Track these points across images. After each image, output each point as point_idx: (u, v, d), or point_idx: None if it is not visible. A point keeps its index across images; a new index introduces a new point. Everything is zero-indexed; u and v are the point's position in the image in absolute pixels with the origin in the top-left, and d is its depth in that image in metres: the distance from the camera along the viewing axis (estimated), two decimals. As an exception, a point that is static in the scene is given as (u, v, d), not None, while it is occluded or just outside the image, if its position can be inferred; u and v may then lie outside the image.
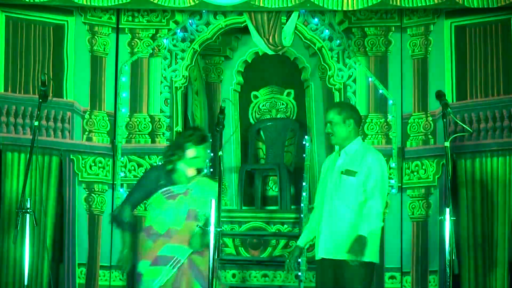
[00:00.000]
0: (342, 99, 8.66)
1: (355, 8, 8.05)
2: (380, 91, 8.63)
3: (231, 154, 9.68)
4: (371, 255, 5.81)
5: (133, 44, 8.83)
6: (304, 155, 8.90)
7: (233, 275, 8.56)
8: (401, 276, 8.45)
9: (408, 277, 8.42)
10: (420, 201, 8.43)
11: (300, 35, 8.74)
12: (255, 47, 9.17)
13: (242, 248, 8.68)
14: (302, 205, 8.54)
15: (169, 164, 6.24)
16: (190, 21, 8.81)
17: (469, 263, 7.96)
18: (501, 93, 8.02)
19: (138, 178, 8.58)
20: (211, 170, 8.95)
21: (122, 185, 8.66)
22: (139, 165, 8.72)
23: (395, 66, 8.66)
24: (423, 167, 8.43)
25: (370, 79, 8.66)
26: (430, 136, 8.43)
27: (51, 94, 7.56)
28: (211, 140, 6.63)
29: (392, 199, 8.50)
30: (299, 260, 7.48)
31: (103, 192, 8.60)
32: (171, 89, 8.82)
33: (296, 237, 8.36)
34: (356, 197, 5.80)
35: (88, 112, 8.61)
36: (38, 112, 5.78)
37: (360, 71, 8.70)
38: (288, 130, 9.69)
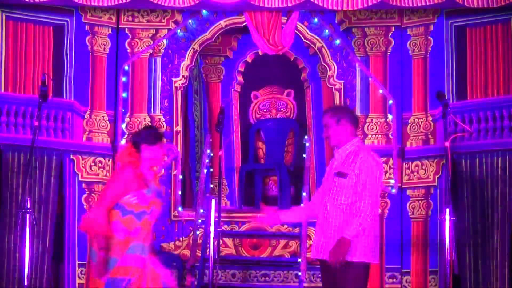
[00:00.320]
0: (342, 99, 8.66)
1: (355, 8, 8.05)
2: (380, 91, 8.63)
3: (231, 154, 9.68)
4: (361, 255, 5.81)
5: (133, 44, 8.83)
6: (304, 155, 8.90)
7: (233, 275, 8.56)
8: (401, 276, 8.45)
9: (408, 277, 8.42)
10: (420, 201, 8.43)
11: (300, 35, 8.75)
12: (255, 47, 9.17)
13: (242, 248, 8.68)
14: (302, 205, 8.53)
15: (137, 166, 6.21)
16: (190, 21, 8.81)
17: (469, 263, 7.96)
18: (501, 93, 8.02)
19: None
20: (211, 170, 8.96)
21: (122, 185, 8.65)
22: (139, 165, 8.70)
23: (395, 66, 8.66)
24: (423, 167, 8.43)
25: (370, 79, 8.66)
26: (430, 136, 8.44)
27: (51, 94, 7.56)
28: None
29: (392, 199, 8.50)
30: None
31: (103, 192, 8.59)
32: (171, 89, 8.83)
33: (296, 237, 8.39)
34: (347, 199, 5.82)
35: (88, 112, 8.61)
36: (38, 112, 5.78)
37: (360, 71, 8.70)
38: (288, 130, 9.69)
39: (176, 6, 8.24)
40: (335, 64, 8.73)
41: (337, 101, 8.71)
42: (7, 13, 8.19)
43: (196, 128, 9.42)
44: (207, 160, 8.70)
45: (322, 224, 5.92)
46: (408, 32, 8.63)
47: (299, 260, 8.03)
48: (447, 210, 5.56)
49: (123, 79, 8.75)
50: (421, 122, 8.49)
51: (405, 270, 8.44)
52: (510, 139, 7.87)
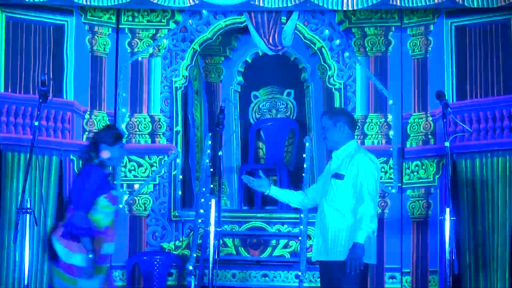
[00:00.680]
0: (342, 99, 8.67)
1: (355, 8, 8.05)
2: (380, 91, 8.63)
3: (231, 154, 9.68)
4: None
5: (133, 44, 8.83)
6: (304, 155, 8.90)
7: (233, 275, 8.56)
8: (401, 276, 8.45)
9: (408, 277, 8.42)
10: (420, 201, 8.44)
11: (300, 35, 8.75)
12: (255, 47, 9.17)
13: (242, 248, 8.68)
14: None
15: (106, 166, 6.22)
16: (190, 21, 8.81)
17: (469, 263, 7.97)
18: (501, 93, 8.02)
19: (137, 178, 8.61)
20: (211, 170, 8.96)
21: (122, 185, 8.66)
22: (139, 165, 8.72)
23: (395, 66, 8.66)
24: (423, 167, 8.43)
25: (370, 79, 8.66)
26: (430, 136, 8.44)
27: (51, 94, 7.55)
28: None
29: (392, 199, 8.51)
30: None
31: (103, 192, 8.59)
32: (171, 89, 8.83)
33: (296, 237, 8.39)
34: (344, 200, 5.83)
35: (88, 112, 8.61)
36: (38, 112, 5.77)
37: (360, 71, 8.70)
38: (288, 130, 9.69)
39: (176, 6, 8.24)
40: (335, 64, 8.73)
41: (337, 101, 8.71)
42: (7, 13, 8.19)
43: (196, 128, 9.43)
44: (207, 160, 8.70)
45: (320, 226, 5.94)
46: (408, 32, 8.63)
47: (299, 260, 8.03)
48: (447, 210, 5.55)
49: (123, 79, 8.75)
50: (421, 122, 8.49)
51: (405, 270, 8.44)
52: (510, 139, 7.88)
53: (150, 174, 8.71)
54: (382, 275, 8.45)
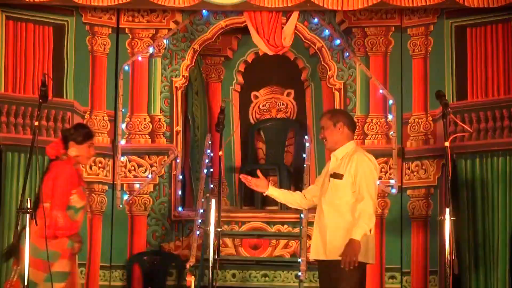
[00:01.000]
0: (342, 99, 8.67)
1: (355, 8, 8.05)
2: (380, 91, 8.63)
3: (231, 154, 9.68)
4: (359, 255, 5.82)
5: (133, 44, 8.83)
6: (304, 155, 8.90)
7: (233, 275, 8.56)
8: (401, 276, 8.45)
9: (408, 277, 8.42)
10: (420, 201, 8.43)
11: (300, 35, 8.75)
12: (255, 47, 9.17)
13: (242, 248, 8.68)
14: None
15: (75, 163, 6.25)
16: (190, 21, 8.81)
17: (469, 263, 7.96)
18: (501, 93, 8.01)
19: (137, 178, 8.60)
20: (211, 170, 8.96)
21: (122, 185, 8.66)
22: (139, 165, 8.72)
23: (395, 66, 8.66)
24: (423, 167, 8.43)
25: (370, 79, 8.66)
26: (430, 136, 8.44)
27: (51, 94, 7.55)
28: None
29: (392, 199, 8.51)
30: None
31: (103, 192, 8.60)
32: (171, 89, 8.83)
33: (296, 237, 8.39)
34: (342, 200, 5.84)
35: (88, 112, 8.61)
36: (38, 112, 5.77)
37: (360, 71, 8.70)
38: (288, 130, 9.69)
39: (176, 6, 8.23)
40: (335, 64, 8.73)
41: (337, 101, 8.71)
42: (7, 13, 8.19)
43: (196, 128, 9.42)
44: (207, 160, 8.70)
45: (318, 226, 5.95)
46: (408, 32, 8.63)
47: (299, 260, 8.03)
48: (447, 210, 5.54)
49: (123, 79, 8.75)
50: (421, 122, 8.49)
51: (405, 270, 8.44)
52: (510, 139, 7.87)
53: (150, 174, 8.71)
54: (382, 275, 8.45)
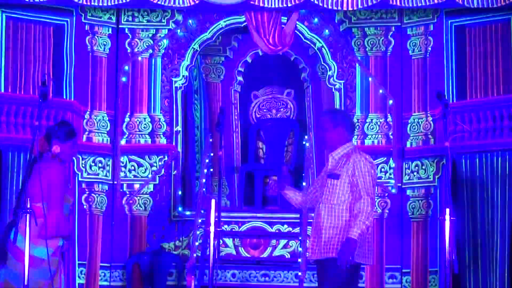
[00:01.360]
0: (342, 99, 8.67)
1: (355, 8, 8.05)
2: (380, 91, 8.63)
3: (231, 154, 9.68)
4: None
5: (133, 44, 8.83)
6: (304, 155, 8.90)
7: (233, 275, 8.56)
8: (401, 276, 8.45)
9: (408, 277, 8.42)
10: (420, 201, 8.43)
11: (300, 35, 8.75)
12: (255, 47, 9.17)
13: (242, 248, 8.68)
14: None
15: (62, 161, 6.29)
16: (190, 21, 8.81)
17: (469, 263, 7.96)
18: (501, 93, 8.02)
19: (137, 178, 8.61)
20: (211, 170, 8.96)
21: (122, 185, 8.66)
22: (139, 165, 8.72)
23: (395, 66, 8.66)
24: (423, 167, 8.43)
25: (370, 79, 8.66)
26: (430, 136, 8.44)
27: (51, 94, 7.55)
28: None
29: (392, 199, 8.51)
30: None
31: (103, 192, 8.60)
32: (171, 89, 8.83)
33: (296, 237, 8.39)
34: (339, 200, 5.84)
35: (88, 112, 8.61)
36: (38, 112, 5.77)
37: (360, 71, 8.70)
38: (288, 130, 9.69)
39: (176, 6, 8.23)
40: (335, 64, 8.73)
41: (337, 101, 8.71)
42: (7, 13, 8.19)
43: (196, 128, 9.43)
44: (207, 160, 8.70)
45: (315, 226, 5.97)
46: (408, 32, 8.63)
47: (299, 260, 8.03)
48: (447, 210, 5.55)
49: (123, 79, 8.75)
50: (421, 122, 8.49)
51: (405, 270, 8.44)
52: (510, 139, 7.87)
53: (150, 174, 8.71)
54: (382, 275, 8.45)
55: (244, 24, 8.64)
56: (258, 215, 8.85)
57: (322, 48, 8.76)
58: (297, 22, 8.59)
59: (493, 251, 7.83)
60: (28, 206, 5.74)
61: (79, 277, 8.38)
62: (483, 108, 8.04)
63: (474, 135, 8.07)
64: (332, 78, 8.75)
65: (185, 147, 9.08)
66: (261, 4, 8.14)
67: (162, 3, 8.14)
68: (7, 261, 5.90)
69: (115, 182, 8.65)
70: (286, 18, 8.51)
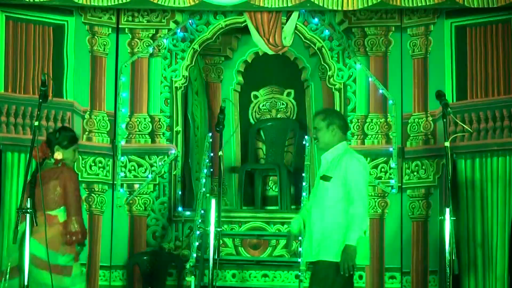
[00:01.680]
0: (342, 99, 8.67)
1: (355, 8, 8.05)
2: (380, 91, 8.63)
3: (231, 154, 9.68)
4: (334, 255, 5.81)
5: (133, 44, 8.83)
6: (304, 155, 8.90)
7: (233, 275, 8.56)
8: (401, 276, 8.45)
9: (408, 277, 8.42)
10: (420, 201, 8.43)
11: (300, 35, 8.75)
12: (255, 47, 9.17)
13: (242, 248, 8.68)
14: (302, 205, 8.53)
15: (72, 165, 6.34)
16: (190, 21, 8.81)
17: (469, 263, 7.96)
18: (501, 93, 8.01)
19: (137, 178, 8.61)
20: (211, 170, 8.96)
21: (122, 185, 8.66)
22: (139, 165, 8.72)
23: (395, 66, 8.66)
24: (423, 167, 8.43)
25: (370, 79, 8.66)
26: (430, 136, 8.43)
27: (51, 94, 7.54)
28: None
29: (392, 199, 8.51)
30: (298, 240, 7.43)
31: (103, 192, 8.60)
32: (171, 89, 8.83)
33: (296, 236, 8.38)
34: (331, 202, 5.84)
35: (88, 112, 8.61)
36: (38, 112, 5.77)
37: (360, 71, 8.70)
38: (288, 130, 9.69)
39: (176, 6, 8.23)
40: (335, 64, 8.73)
41: (337, 101, 8.71)
42: (7, 13, 8.19)
43: (196, 128, 9.43)
44: (207, 160, 8.70)
45: (308, 227, 5.97)
46: (408, 32, 8.63)
47: (299, 260, 8.02)
48: (447, 210, 5.55)
49: (123, 79, 8.75)
50: (421, 122, 8.49)
51: (405, 270, 8.44)
52: (510, 139, 7.87)
53: (150, 174, 8.71)
54: (382, 275, 8.45)
55: (244, 24, 8.65)
56: (258, 215, 8.85)
57: (322, 48, 8.76)
58: (297, 22, 8.59)
59: (492, 250, 7.83)
60: (28, 206, 5.75)
61: (79, 277, 8.37)
62: (483, 108, 8.04)
63: (474, 135, 8.07)
64: (332, 78, 8.75)
65: (185, 147, 9.08)
66: (261, 4, 8.14)
67: (162, 3, 8.14)
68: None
69: (115, 182, 8.65)
70: (286, 18, 8.51)
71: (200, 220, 8.33)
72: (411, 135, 8.55)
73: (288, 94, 9.79)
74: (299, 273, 8.05)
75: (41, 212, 5.86)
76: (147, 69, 8.83)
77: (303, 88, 9.69)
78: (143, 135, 8.77)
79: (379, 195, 8.53)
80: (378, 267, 8.43)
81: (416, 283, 8.36)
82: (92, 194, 8.52)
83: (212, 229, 6.06)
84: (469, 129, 7.97)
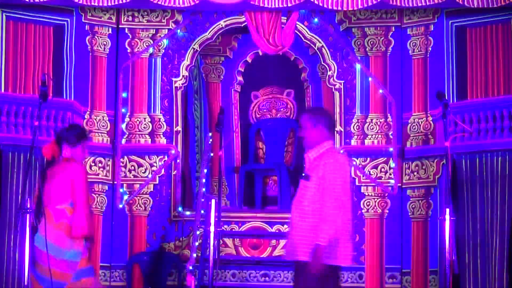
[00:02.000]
0: (342, 99, 8.67)
1: (355, 8, 8.05)
2: (380, 91, 8.63)
3: (231, 154, 9.68)
4: (312, 256, 5.81)
5: (133, 44, 8.83)
6: (303, 155, 8.88)
7: (233, 275, 8.56)
8: (401, 276, 8.45)
9: (408, 277, 8.42)
10: (420, 201, 8.43)
11: (300, 35, 8.75)
12: (255, 47, 9.17)
13: (242, 248, 8.68)
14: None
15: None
16: (190, 21, 8.81)
17: (469, 263, 7.96)
18: (501, 93, 8.02)
19: (137, 178, 8.61)
20: (211, 170, 8.96)
21: (122, 185, 8.66)
22: (139, 165, 8.72)
23: (395, 66, 8.66)
24: (423, 167, 8.43)
25: (370, 79, 8.66)
26: (430, 136, 8.44)
27: (51, 94, 7.55)
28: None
29: (392, 199, 8.51)
30: None
31: (103, 192, 8.60)
32: (171, 89, 8.83)
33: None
34: (309, 201, 5.83)
35: (88, 112, 8.61)
36: (38, 112, 5.78)
37: (360, 71, 8.70)
38: (288, 130, 9.69)
39: (176, 6, 8.24)
40: (335, 64, 8.73)
41: (337, 101, 8.72)
42: (7, 13, 8.19)
43: (196, 128, 9.43)
44: (207, 160, 8.70)
45: (289, 227, 5.97)
46: (408, 32, 8.63)
47: (299, 260, 8.01)
48: (447, 210, 5.56)
49: (123, 79, 8.75)
50: (421, 122, 8.49)
51: (405, 270, 8.44)
52: (510, 139, 7.87)
53: (150, 174, 8.71)
54: (382, 275, 8.45)
55: (244, 24, 8.65)
56: (258, 215, 8.85)
57: (322, 48, 8.76)
58: (297, 22, 8.59)
59: (493, 251, 7.83)
60: (28, 206, 5.77)
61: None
62: (483, 108, 8.04)
63: (474, 135, 8.07)
64: (332, 78, 8.75)
65: (185, 147, 9.08)
66: (261, 4, 8.14)
67: (162, 3, 8.15)
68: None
69: (115, 182, 8.66)
70: (286, 18, 8.51)
71: (200, 220, 8.34)
72: (411, 135, 8.55)
73: (288, 94, 9.79)
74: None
75: (50, 207, 5.93)
76: (147, 69, 8.83)
77: (303, 88, 9.69)
78: (143, 135, 8.77)
79: (379, 195, 8.53)
80: (378, 267, 8.44)
81: (416, 283, 8.36)
82: (92, 194, 8.52)
83: (212, 229, 6.06)
84: (469, 129, 7.97)
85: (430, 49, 8.49)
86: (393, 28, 8.70)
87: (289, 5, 8.14)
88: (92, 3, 8.13)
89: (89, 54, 8.65)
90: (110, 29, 8.77)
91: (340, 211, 5.71)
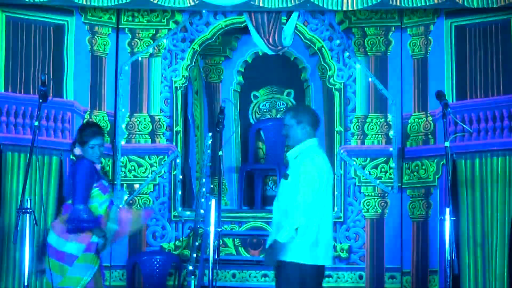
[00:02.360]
0: (342, 99, 8.67)
1: (355, 8, 8.05)
2: (380, 91, 8.63)
3: (231, 154, 9.68)
4: (292, 255, 5.80)
5: (133, 44, 8.83)
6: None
7: (233, 275, 8.56)
8: (401, 276, 8.45)
9: (408, 277, 8.42)
10: (420, 201, 8.44)
11: (300, 35, 8.75)
12: (255, 47, 9.17)
13: (242, 248, 8.68)
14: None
15: (92, 161, 6.42)
16: (190, 21, 8.81)
17: (469, 263, 7.97)
18: (501, 93, 8.02)
19: (137, 178, 8.62)
20: (211, 170, 8.96)
21: (122, 185, 8.66)
22: (139, 165, 8.72)
23: (395, 66, 8.66)
24: (423, 167, 8.43)
25: (370, 79, 8.66)
26: (430, 136, 8.44)
27: (51, 94, 7.55)
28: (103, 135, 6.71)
29: (392, 199, 8.51)
30: None
31: (103, 192, 8.59)
32: (171, 89, 8.83)
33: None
34: (288, 200, 5.83)
35: (88, 112, 8.61)
36: (38, 112, 5.78)
37: (360, 71, 8.70)
38: (288, 130, 9.68)
39: (176, 6, 8.24)
40: (335, 64, 8.73)
41: (337, 101, 8.72)
42: (7, 13, 8.19)
43: (196, 128, 9.43)
44: (207, 160, 8.70)
45: (271, 226, 5.99)
46: (408, 32, 8.63)
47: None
48: (447, 210, 5.56)
49: (123, 79, 8.75)
50: (421, 122, 8.49)
51: (405, 270, 8.44)
52: (510, 139, 7.88)
53: (150, 174, 8.71)
54: (382, 275, 8.45)
55: (244, 24, 8.65)
56: (258, 215, 8.85)
57: (322, 48, 8.76)
58: (297, 22, 8.59)
59: (493, 251, 7.83)
60: (28, 206, 5.80)
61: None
62: (483, 108, 8.04)
63: (474, 135, 8.07)
64: (332, 78, 8.75)
65: (185, 147, 9.08)
66: (261, 4, 8.14)
67: (162, 3, 8.14)
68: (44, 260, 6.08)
69: (115, 182, 8.66)
70: (286, 18, 8.51)
71: (200, 220, 8.34)
72: (411, 135, 8.55)
73: (288, 94, 9.79)
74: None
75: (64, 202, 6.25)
76: (147, 69, 8.83)
77: (303, 88, 9.69)
78: (143, 135, 8.77)
79: (379, 195, 8.53)
80: (378, 267, 8.44)
81: (416, 283, 8.36)
82: (92, 194, 8.52)
83: (212, 229, 6.06)
84: (469, 129, 7.97)
85: (430, 49, 8.49)
86: (393, 28, 8.70)
87: (289, 5, 8.14)
88: (92, 3, 8.13)
89: (89, 54, 8.65)
90: (110, 29, 8.77)
91: (308, 210, 5.70)
